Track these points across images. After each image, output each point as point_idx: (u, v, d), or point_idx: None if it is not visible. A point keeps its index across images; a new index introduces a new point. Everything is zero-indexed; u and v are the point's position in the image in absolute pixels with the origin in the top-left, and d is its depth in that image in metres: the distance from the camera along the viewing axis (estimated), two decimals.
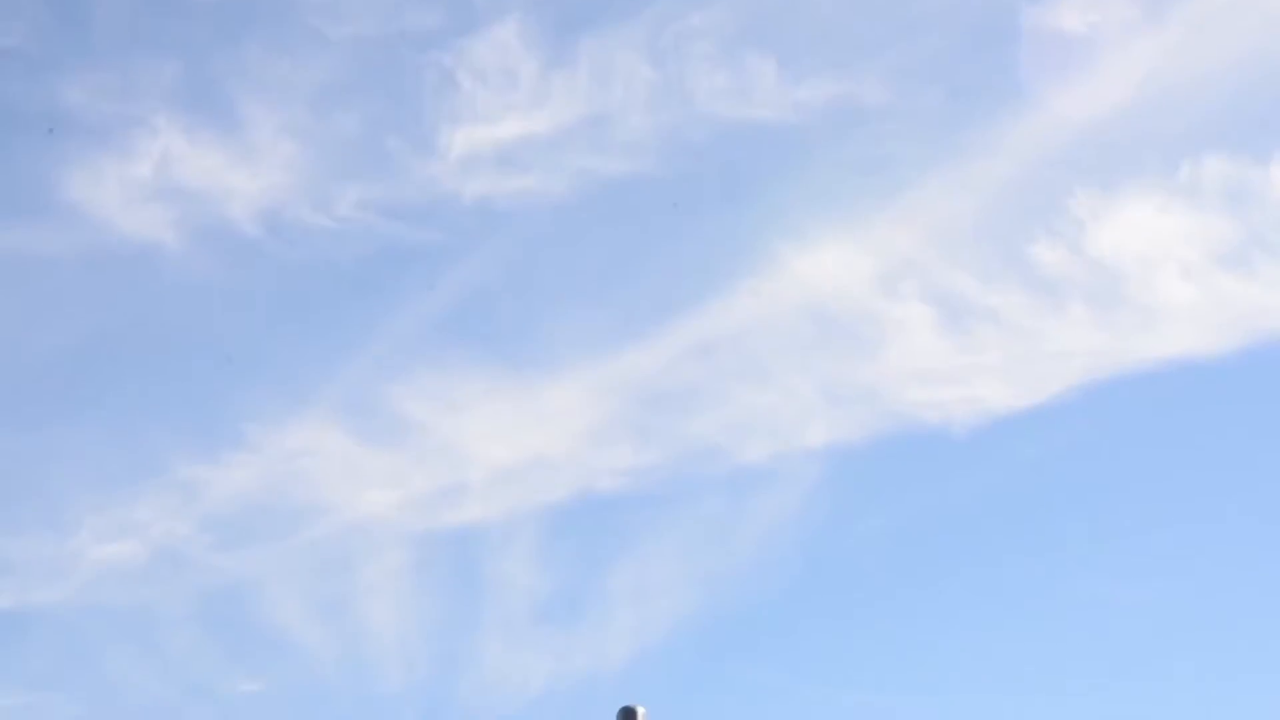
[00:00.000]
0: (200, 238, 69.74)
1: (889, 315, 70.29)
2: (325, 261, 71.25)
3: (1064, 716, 70.54)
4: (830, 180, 62.32)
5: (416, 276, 69.86)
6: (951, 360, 70.01)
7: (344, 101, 57.57)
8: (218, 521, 71.64)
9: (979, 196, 67.77)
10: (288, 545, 72.16)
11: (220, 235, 69.78)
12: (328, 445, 70.81)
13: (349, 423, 72.62)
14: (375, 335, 72.38)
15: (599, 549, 75.68)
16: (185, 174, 66.05)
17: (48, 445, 68.69)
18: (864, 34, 58.35)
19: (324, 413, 72.68)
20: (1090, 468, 75.40)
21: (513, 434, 68.92)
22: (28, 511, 70.16)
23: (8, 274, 64.60)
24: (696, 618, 74.08)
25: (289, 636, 74.02)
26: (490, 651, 73.07)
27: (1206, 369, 72.51)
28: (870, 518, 76.17)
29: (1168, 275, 67.59)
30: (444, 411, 70.38)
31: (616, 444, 72.05)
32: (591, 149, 66.61)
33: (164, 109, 66.02)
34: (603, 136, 66.15)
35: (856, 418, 72.40)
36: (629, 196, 68.35)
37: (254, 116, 66.76)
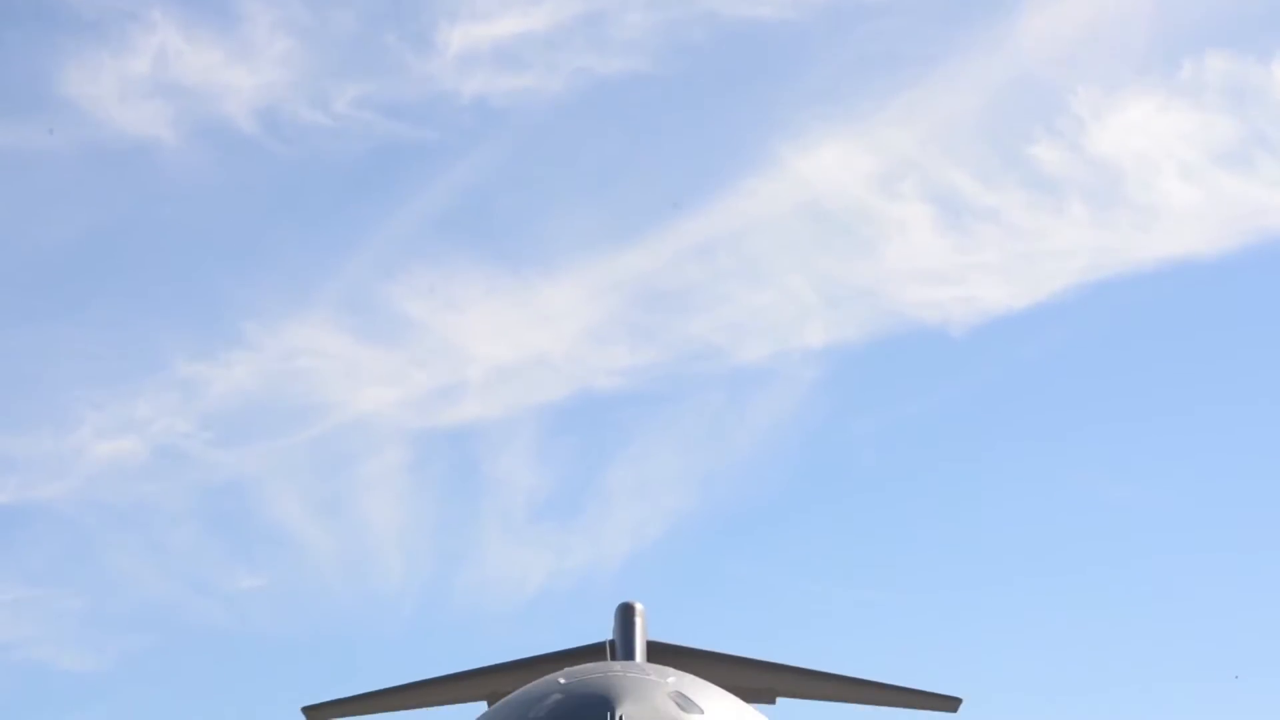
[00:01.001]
0: (198, 135, 69.11)
1: (888, 215, 69.97)
2: (323, 159, 70.65)
3: (1058, 611, 70.67)
4: (830, 79, 61.64)
5: (415, 175, 69.44)
6: (950, 260, 69.77)
7: None
8: (217, 419, 71.63)
9: (980, 96, 67.16)
10: (287, 443, 72.14)
11: (218, 132, 69.18)
12: (327, 344, 70.71)
13: (348, 321, 72.50)
14: (373, 234, 72.05)
15: (597, 447, 75.59)
16: (182, 70, 65.23)
17: (48, 342, 68.61)
18: None
19: (323, 311, 72.53)
20: (1087, 368, 75.30)
21: (511, 333, 68.83)
22: (29, 408, 70.16)
23: (6, 170, 64.13)
24: (694, 515, 74.07)
25: (289, 533, 73.91)
26: (489, 548, 72.90)
27: (1206, 268, 72.21)
28: (867, 417, 76.18)
29: (1168, 174, 67.15)
30: (443, 310, 70.25)
31: (615, 343, 72.00)
32: (590, 47, 65.66)
33: (160, 4, 65.01)
34: (601, 34, 65.22)
35: (855, 317, 72.26)
36: (627, 95, 67.58)
37: (251, 13, 65.78)
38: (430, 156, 68.67)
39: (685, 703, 20.46)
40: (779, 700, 33.53)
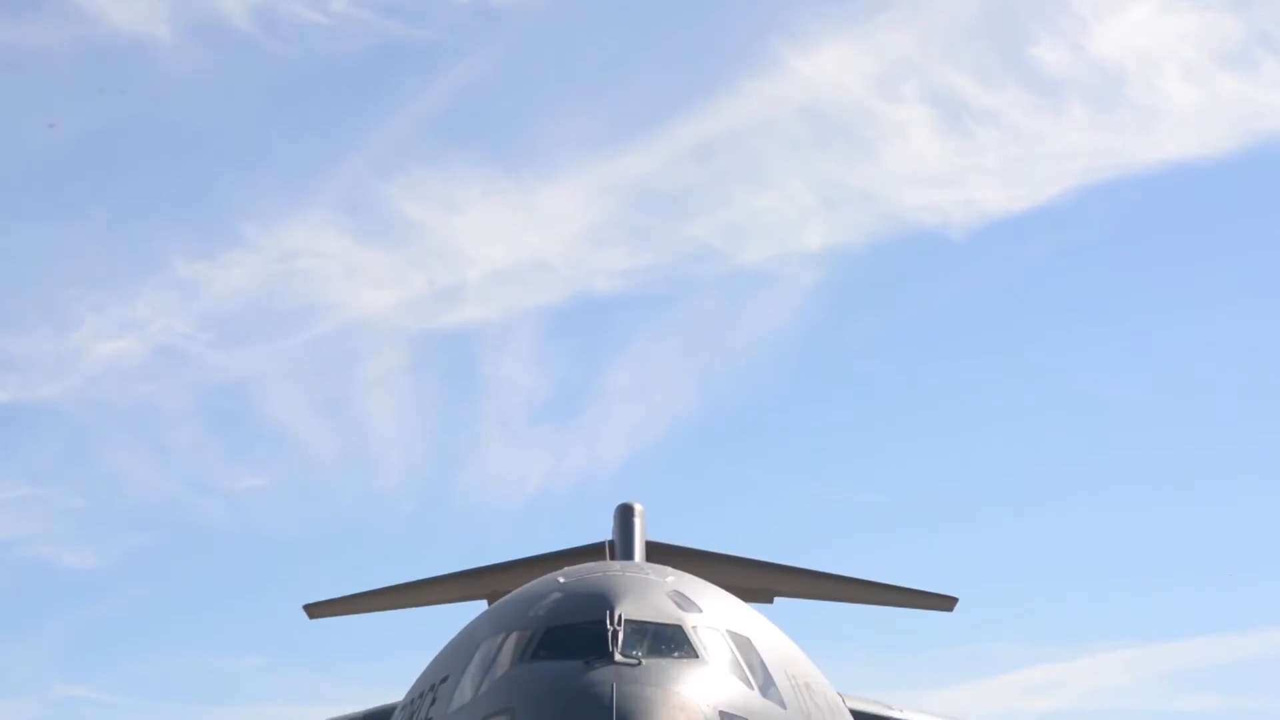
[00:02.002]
0: (194, 33, 68.56)
1: (888, 117, 69.56)
2: (321, 59, 70.11)
3: (1053, 512, 70.91)
4: None
5: (412, 75, 68.93)
6: (950, 162, 69.48)
7: None
8: (217, 319, 71.58)
9: None
10: (287, 343, 72.11)
11: (215, 30, 68.61)
12: (325, 244, 70.53)
13: (346, 222, 72.26)
14: (372, 135, 71.66)
15: (596, 350, 75.60)
16: None
17: (47, 242, 68.41)
18: None
19: (321, 212, 72.27)
20: (1086, 270, 75.22)
21: (510, 235, 68.66)
22: (29, 308, 70.09)
23: (4, 70, 63.64)
24: (693, 417, 74.18)
25: (290, 433, 74.00)
26: (488, 450, 73.04)
27: (1207, 170, 71.91)
28: (866, 319, 76.14)
29: (1170, 75, 66.69)
30: (441, 212, 70.01)
31: (614, 245, 71.84)
32: None
33: None
34: None
35: (854, 220, 72.05)
36: None
37: None
38: (428, 57, 68.31)
39: (684, 601, 20.61)
40: (776, 600, 33.77)
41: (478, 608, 30.70)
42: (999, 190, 67.95)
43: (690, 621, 20.11)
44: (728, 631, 20.44)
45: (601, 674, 18.67)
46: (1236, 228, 72.39)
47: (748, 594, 27.03)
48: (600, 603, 20.01)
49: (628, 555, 31.58)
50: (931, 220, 68.91)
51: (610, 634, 19.32)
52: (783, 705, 20.16)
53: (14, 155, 70.47)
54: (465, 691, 20.04)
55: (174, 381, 70.48)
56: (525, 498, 71.67)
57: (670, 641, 19.71)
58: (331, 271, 68.86)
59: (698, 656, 19.60)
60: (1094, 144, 67.46)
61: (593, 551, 30.63)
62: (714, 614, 20.74)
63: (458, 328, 70.81)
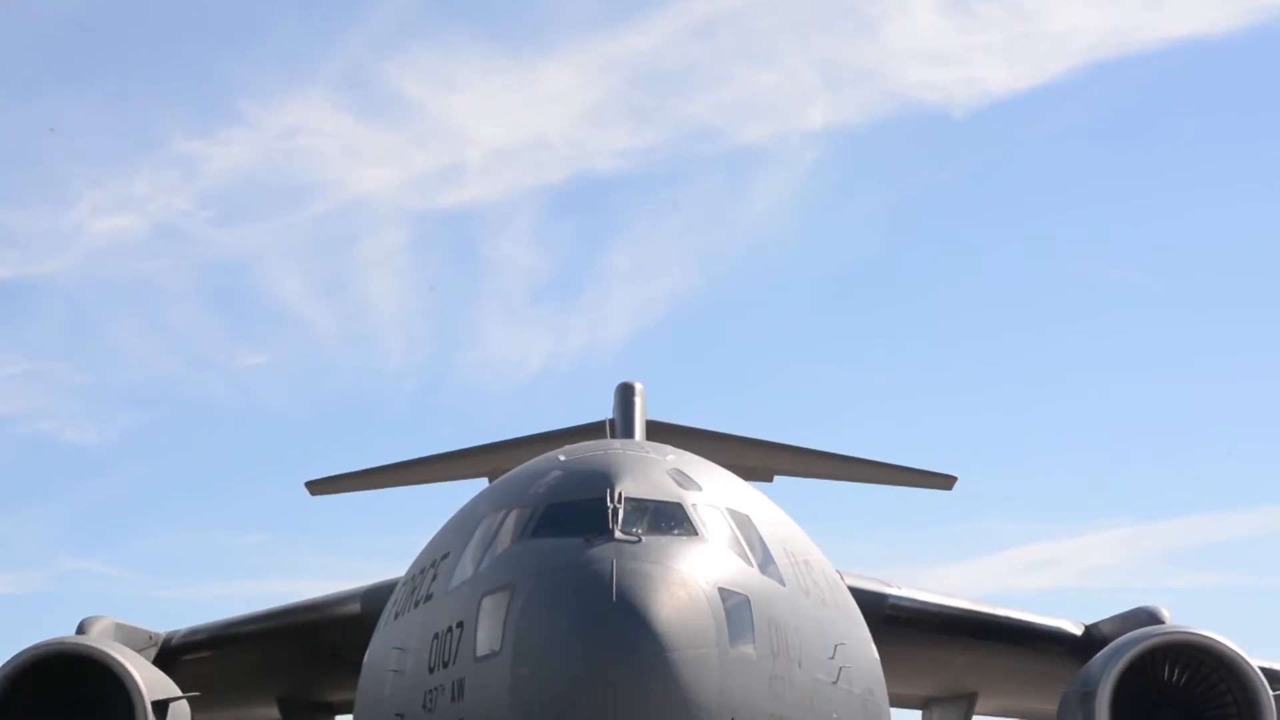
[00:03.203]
0: None
1: None
2: None
3: (1053, 392, 70.91)
4: None
5: None
6: (953, 40, 68.81)
7: None
8: (216, 197, 71.33)
9: None
10: (287, 222, 71.88)
11: None
12: (325, 122, 70.04)
13: (346, 100, 71.70)
14: (371, 12, 70.96)
15: (597, 229, 75.39)
16: None
17: (45, 118, 67.91)
18: None
19: (320, 90, 71.71)
20: (1089, 150, 74.70)
21: (510, 114, 68.19)
22: (27, 184, 69.78)
23: None
24: (693, 297, 74.10)
25: (290, 312, 73.98)
26: (489, 329, 73.03)
27: (1212, 48, 71.20)
28: (868, 199, 75.77)
29: None
30: (441, 90, 69.48)
31: (614, 124, 71.33)
32: None
33: None
34: None
35: (856, 99, 71.51)
36: None
37: None
38: None
39: (684, 480, 20.68)
40: (776, 478, 33.90)
41: (478, 485, 30.84)
42: (1002, 69, 67.57)
43: (690, 499, 20.19)
44: (727, 509, 20.52)
45: (601, 551, 18.76)
46: (1243, 108, 72.04)
47: (748, 472, 27.15)
48: (600, 480, 20.08)
49: (628, 434, 31.67)
50: (934, 99, 68.57)
51: (610, 511, 19.40)
52: (781, 582, 20.27)
53: (12, 31, 70.02)
54: (466, 568, 20.16)
55: (174, 259, 70.44)
56: (526, 377, 71.77)
57: (670, 519, 19.79)
58: (331, 150, 68.63)
59: (697, 534, 19.69)
60: (1099, 22, 66.97)
61: (593, 430, 30.72)
62: (714, 492, 20.82)
63: (458, 207, 70.64)
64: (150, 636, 27.62)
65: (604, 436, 29.57)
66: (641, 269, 70.52)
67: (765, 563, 20.22)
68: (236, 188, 69.39)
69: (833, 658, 20.72)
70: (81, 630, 26.25)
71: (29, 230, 69.82)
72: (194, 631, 28.21)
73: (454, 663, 19.17)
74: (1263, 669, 24.95)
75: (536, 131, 67.45)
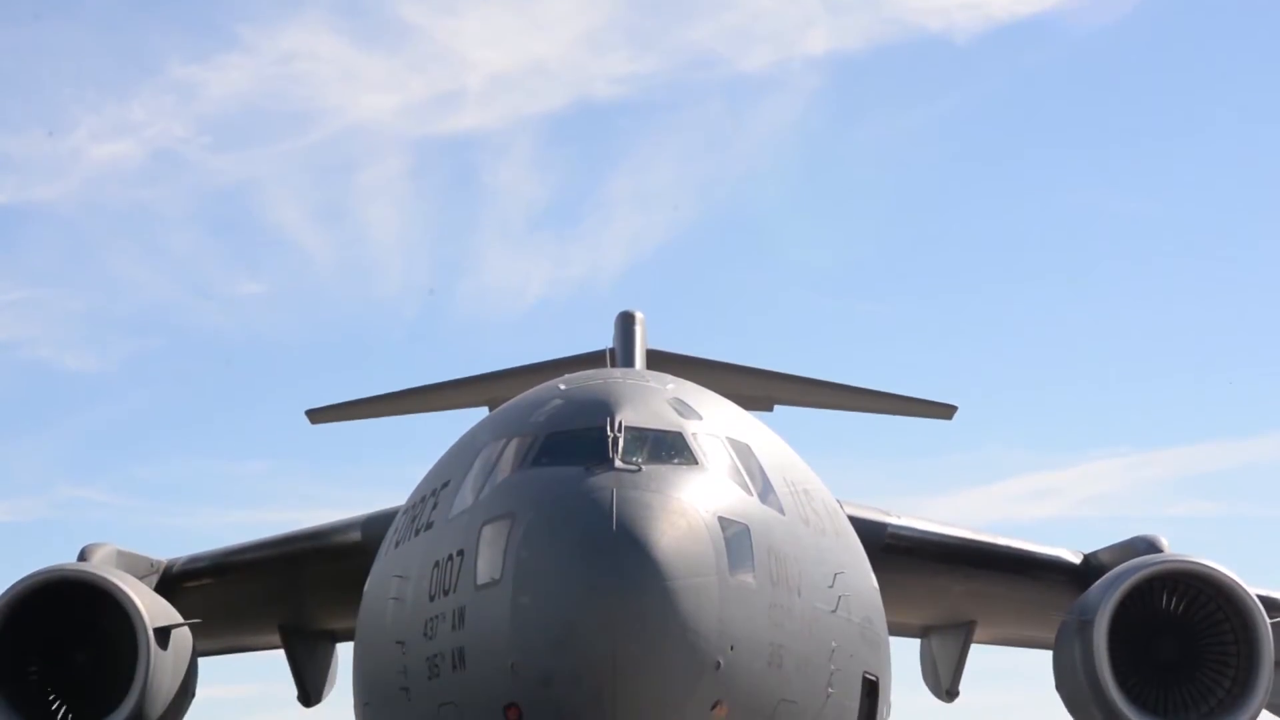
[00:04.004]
0: None
1: None
2: None
3: (1057, 321, 70.88)
4: None
5: None
6: None
7: None
8: (214, 123, 71.02)
9: None
10: (286, 148, 71.59)
11: None
12: (323, 48, 69.60)
13: (344, 25, 71.27)
14: None
15: (597, 157, 75.13)
16: None
17: (42, 43, 67.55)
18: None
19: (318, 14, 71.26)
20: (1092, 77, 74.29)
21: (510, 39, 67.79)
22: (24, 109, 69.45)
23: None
24: (694, 225, 73.96)
25: (289, 239, 73.85)
26: (488, 257, 72.93)
27: None
28: (869, 126, 75.46)
29: None
30: (441, 15, 69.05)
31: (614, 50, 70.89)
32: None
33: None
34: None
35: (858, 25, 71.07)
36: None
37: None
38: None
39: (684, 408, 20.68)
40: (776, 408, 33.91)
41: (478, 414, 30.87)
42: None
43: (690, 428, 20.20)
44: (727, 438, 20.54)
45: (601, 479, 18.79)
46: (1249, 41, 71.63)
47: (748, 402, 27.14)
48: (601, 409, 20.09)
49: (628, 363, 31.66)
50: (936, 24, 68.19)
51: (610, 440, 19.41)
52: (781, 511, 20.31)
53: None
54: (466, 496, 20.19)
55: (172, 185, 70.23)
56: (526, 305, 71.73)
57: (670, 448, 19.81)
58: (329, 75, 68.29)
59: (697, 463, 19.71)
60: None
61: (593, 359, 30.71)
62: (714, 421, 20.83)
63: (458, 134, 70.36)
64: (152, 564, 27.72)
65: (604, 366, 29.56)
66: (642, 197, 70.35)
67: (765, 492, 20.24)
68: (234, 114, 69.10)
69: (832, 586, 20.78)
70: (83, 557, 26.33)
71: (26, 155, 69.61)
72: (195, 559, 28.29)
73: (454, 591, 19.23)
74: (1260, 597, 25.05)
75: (536, 57, 67.13)
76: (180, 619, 25.50)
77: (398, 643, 20.37)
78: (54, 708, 25.40)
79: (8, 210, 70.93)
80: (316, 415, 34.58)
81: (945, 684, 30.49)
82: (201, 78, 67.60)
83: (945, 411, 34.31)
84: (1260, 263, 72.62)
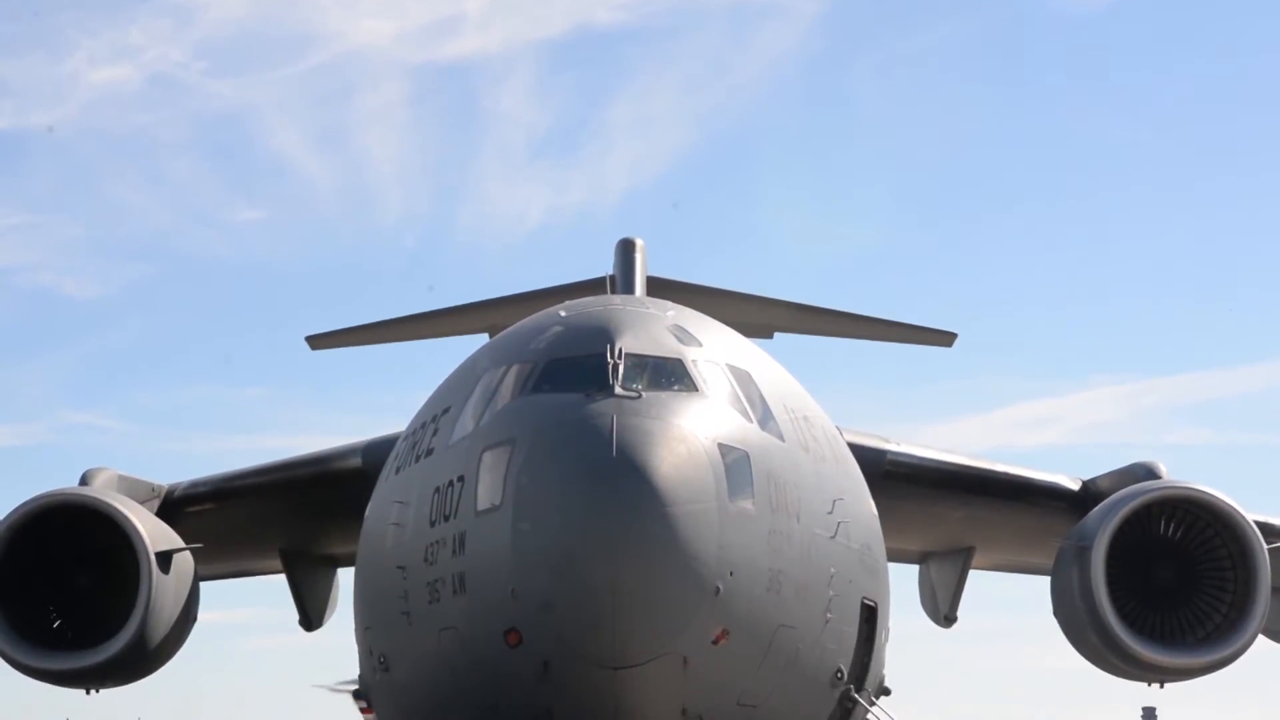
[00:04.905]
0: None
1: None
2: None
3: (1057, 248, 70.93)
4: None
5: None
6: None
7: None
8: (213, 48, 70.68)
9: None
10: (285, 73, 71.28)
11: None
12: None
13: None
14: None
15: (597, 83, 74.84)
16: None
17: None
18: None
19: None
20: (1093, 6, 73.94)
21: None
22: (22, 33, 69.13)
23: None
24: (695, 152, 73.75)
25: (288, 165, 73.65)
26: (488, 184, 72.75)
27: None
28: (870, 52, 75.22)
29: None
30: None
31: None
32: None
33: None
34: None
35: None
36: None
37: None
38: None
39: (684, 335, 20.69)
40: (776, 335, 33.90)
41: (478, 341, 30.87)
42: None
43: (690, 355, 20.22)
44: (727, 365, 20.56)
45: (602, 406, 18.82)
46: None
47: (748, 329, 27.15)
48: (601, 336, 20.10)
49: (628, 290, 31.64)
50: None
51: (610, 367, 19.44)
52: (781, 438, 20.35)
53: None
54: (467, 423, 20.23)
55: (171, 111, 70.01)
56: (526, 232, 71.61)
57: (670, 375, 19.84)
58: (327, 0, 67.93)
59: (697, 390, 19.74)
60: None
61: (593, 286, 30.70)
62: (714, 348, 20.85)
63: (457, 60, 70.09)
64: (153, 489, 27.78)
65: (604, 292, 29.54)
66: (642, 124, 70.17)
67: (765, 419, 20.28)
68: (232, 38, 68.86)
69: (831, 513, 20.84)
70: (84, 482, 26.39)
71: (24, 80, 69.36)
72: (196, 484, 28.36)
73: (455, 517, 19.30)
74: (1258, 523, 25.13)
75: None
76: (181, 544, 25.59)
77: (399, 568, 20.45)
78: (57, 630, 25.52)
79: (6, 135, 70.71)
80: (317, 341, 34.59)
81: (944, 609, 30.62)
82: (199, 1, 67.33)
83: (945, 339, 34.31)
84: (1259, 191, 72.54)
